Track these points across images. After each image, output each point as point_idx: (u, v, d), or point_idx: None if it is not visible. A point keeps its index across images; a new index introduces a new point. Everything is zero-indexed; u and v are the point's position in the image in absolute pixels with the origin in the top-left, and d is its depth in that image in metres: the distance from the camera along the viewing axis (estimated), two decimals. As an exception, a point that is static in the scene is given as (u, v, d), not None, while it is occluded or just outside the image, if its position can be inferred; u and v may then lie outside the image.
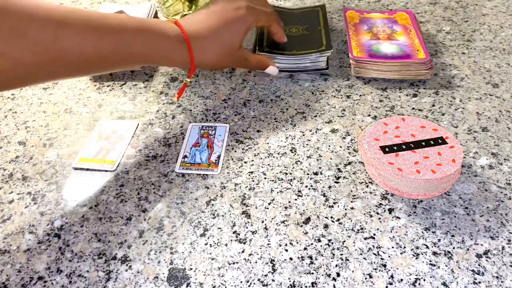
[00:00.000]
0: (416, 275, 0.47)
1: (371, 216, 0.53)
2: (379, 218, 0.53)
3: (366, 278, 0.47)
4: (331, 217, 0.53)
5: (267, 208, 0.54)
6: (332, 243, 0.50)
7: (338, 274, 0.48)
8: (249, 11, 0.65)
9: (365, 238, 0.51)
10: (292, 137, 0.64)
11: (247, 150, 0.63)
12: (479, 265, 0.48)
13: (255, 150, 0.62)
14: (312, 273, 0.48)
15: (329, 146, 0.63)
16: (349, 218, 0.53)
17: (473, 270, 0.47)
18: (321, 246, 0.50)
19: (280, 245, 0.50)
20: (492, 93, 0.71)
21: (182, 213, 0.54)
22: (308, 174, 0.59)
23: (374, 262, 0.48)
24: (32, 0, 0.47)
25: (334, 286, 0.46)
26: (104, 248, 0.51)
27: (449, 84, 0.73)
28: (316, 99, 0.71)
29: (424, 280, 0.47)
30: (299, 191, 0.56)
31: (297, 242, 0.51)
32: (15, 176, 0.60)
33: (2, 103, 0.72)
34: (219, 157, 0.61)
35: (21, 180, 0.59)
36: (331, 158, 0.61)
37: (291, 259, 0.49)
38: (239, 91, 0.73)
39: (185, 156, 0.61)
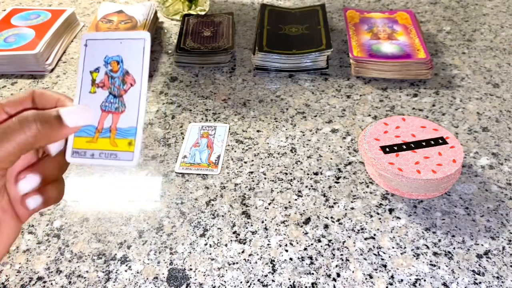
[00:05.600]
0: (417, 275, 0.47)
1: (371, 216, 0.53)
2: (380, 218, 0.53)
3: (366, 279, 0.47)
4: (331, 217, 0.53)
5: (267, 208, 0.54)
6: (332, 243, 0.50)
7: (338, 275, 0.47)
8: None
9: (366, 239, 0.51)
10: (292, 137, 0.64)
11: (247, 150, 0.62)
12: (479, 265, 0.48)
13: (255, 150, 0.62)
14: (312, 274, 0.48)
15: (329, 146, 0.62)
16: (349, 218, 0.53)
17: (473, 271, 0.47)
18: (321, 246, 0.50)
19: (280, 246, 0.50)
20: (492, 93, 0.71)
21: (181, 213, 0.54)
22: (308, 174, 0.58)
23: (375, 263, 0.48)
24: None
25: (334, 286, 0.46)
26: (103, 248, 0.51)
27: (449, 84, 0.73)
28: (316, 99, 0.71)
29: (425, 280, 0.47)
30: (299, 191, 0.56)
31: (297, 243, 0.51)
32: (15, 176, 0.60)
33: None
34: (219, 157, 0.61)
35: (21, 180, 0.59)
36: (331, 158, 0.61)
37: (291, 259, 0.49)
38: (239, 91, 0.73)
39: (184, 156, 0.61)
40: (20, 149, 0.29)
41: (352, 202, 0.55)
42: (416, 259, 0.49)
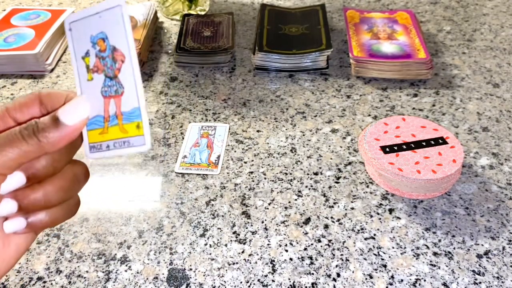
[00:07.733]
0: (417, 275, 0.47)
1: (371, 216, 0.53)
2: (380, 219, 0.53)
3: (366, 279, 0.47)
4: (331, 218, 0.53)
5: (267, 209, 0.54)
6: (333, 243, 0.50)
7: (338, 275, 0.47)
8: None
9: (366, 239, 0.51)
10: (292, 137, 0.64)
11: (247, 150, 0.62)
12: (479, 265, 0.48)
13: (255, 150, 0.62)
14: (312, 274, 0.48)
15: (329, 146, 0.62)
16: (350, 219, 0.53)
17: (473, 271, 0.47)
18: (321, 246, 0.50)
19: (280, 246, 0.50)
20: (492, 93, 0.71)
21: (181, 213, 0.54)
22: (308, 174, 0.58)
23: (375, 263, 0.48)
24: None
25: (334, 286, 0.46)
26: (103, 248, 0.51)
27: (449, 84, 0.73)
28: (316, 99, 0.71)
29: (425, 280, 0.47)
30: (299, 191, 0.56)
31: (297, 243, 0.50)
32: (15, 176, 0.60)
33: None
34: (219, 157, 0.61)
35: (21, 180, 0.59)
36: (331, 158, 0.61)
37: (291, 259, 0.49)
38: (239, 91, 0.73)
39: (184, 156, 0.61)
40: (22, 157, 0.28)
41: (352, 202, 0.55)
42: (416, 259, 0.48)
